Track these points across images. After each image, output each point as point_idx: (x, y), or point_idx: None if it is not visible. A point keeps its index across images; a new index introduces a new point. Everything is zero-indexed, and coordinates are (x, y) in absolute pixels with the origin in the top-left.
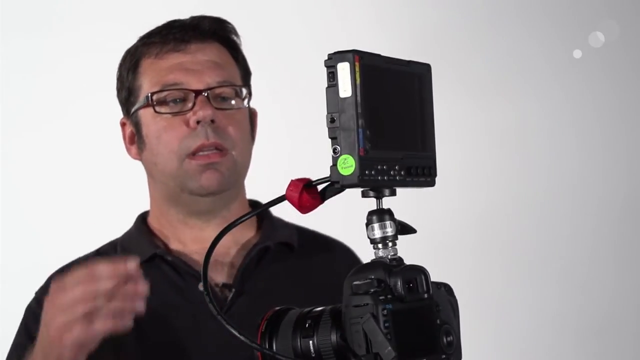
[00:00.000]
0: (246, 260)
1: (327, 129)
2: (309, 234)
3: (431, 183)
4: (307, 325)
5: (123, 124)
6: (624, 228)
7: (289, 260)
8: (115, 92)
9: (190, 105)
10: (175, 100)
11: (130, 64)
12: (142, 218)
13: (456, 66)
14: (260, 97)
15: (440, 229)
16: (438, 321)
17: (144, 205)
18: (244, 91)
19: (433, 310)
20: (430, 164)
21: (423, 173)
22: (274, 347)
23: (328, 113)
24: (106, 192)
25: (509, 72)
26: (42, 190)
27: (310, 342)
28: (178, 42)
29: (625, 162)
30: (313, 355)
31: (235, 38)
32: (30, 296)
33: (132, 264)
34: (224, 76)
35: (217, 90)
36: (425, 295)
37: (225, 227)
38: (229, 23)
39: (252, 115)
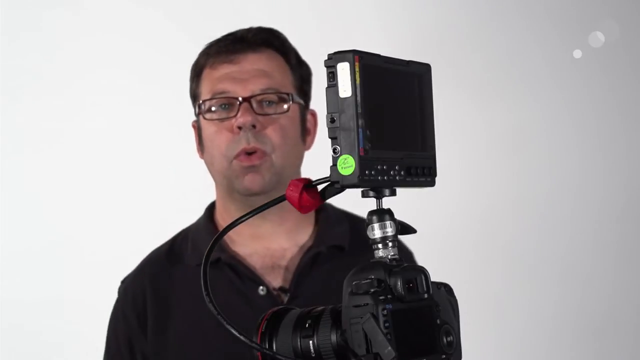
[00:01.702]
0: (301, 264)
1: (327, 129)
2: (360, 227)
3: (431, 183)
4: (307, 325)
5: (194, 127)
6: (624, 228)
7: (340, 261)
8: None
9: (235, 111)
10: (223, 105)
11: (194, 73)
12: (210, 211)
13: (456, 66)
14: None
15: (440, 229)
16: (438, 321)
17: (145, 203)
18: (290, 96)
19: (433, 310)
20: (430, 164)
21: (423, 173)
22: (274, 347)
23: (328, 113)
24: (114, 187)
25: (509, 72)
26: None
27: (310, 342)
28: (229, 54)
29: (625, 161)
30: (313, 355)
31: (287, 45)
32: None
33: None
34: (269, 83)
35: (260, 97)
36: (425, 295)
37: (224, 228)
38: (279, 32)
39: (305, 117)
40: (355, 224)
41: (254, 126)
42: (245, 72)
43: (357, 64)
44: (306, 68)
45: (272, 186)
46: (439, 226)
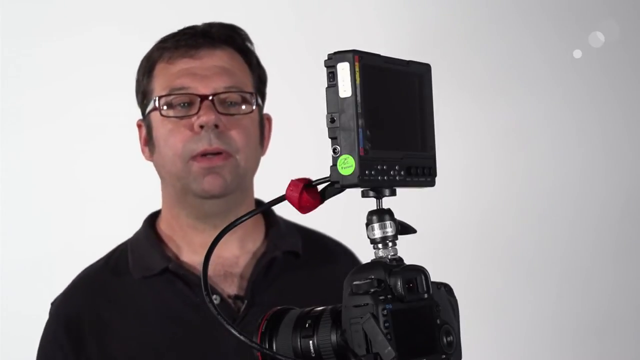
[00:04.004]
0: (255, 271)
1: (327, 129)
2: (312, 237)
3: (431, 183)
4: (307, 325)
5: (139, 126)
6: (624, 228)
7: (296, 269)
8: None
9: (195, 109)
10: (182, 104)
11: (146, 68)
12: (151, 220)
13: (456, 66)
14: None
15: (440, 229)
16: (438, 321)
17: (145, 204)
18: (253, 97)
19: (433, 310)
20: (430, 164)
21: (423, 173)
22: (274, 347)
23: (328, 113)
24: (111, 192)
25: (509, 72)
26: (47, 190)
27: (310, 342)
28: (189, 48)
29: (626, 161)
30: (313, 355)
31: (248, 45)
32: (33, 296)
33: None
34: (232, 82)
35: (224, 96)
36: (425, 295)
37: (223, 228)
38: (241, 29)
39: (263, 121)
40: (307, 236)
41: (216, 126)
42: (207, 68)
43: (357, 64)
44: (263, 70)
45: (232, 189)
46: (439, 226)
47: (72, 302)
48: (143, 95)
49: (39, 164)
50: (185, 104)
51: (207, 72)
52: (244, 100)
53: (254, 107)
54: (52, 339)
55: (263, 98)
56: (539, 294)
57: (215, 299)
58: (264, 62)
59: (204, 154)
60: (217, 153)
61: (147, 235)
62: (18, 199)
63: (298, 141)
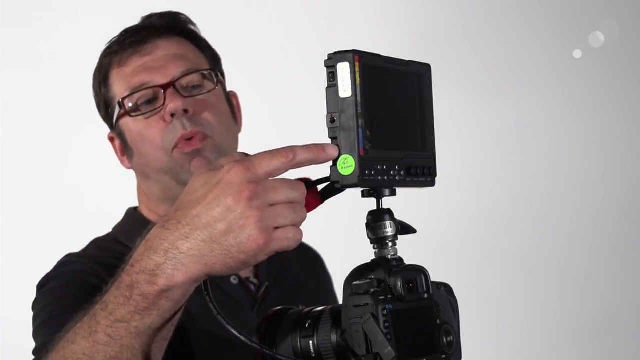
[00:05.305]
0: None
1: (327, 129)
2: None
3: (431, 183)
4: (307, 325)
5: (111, 139)
6: (624, 228)
7: (285, 253)
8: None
9: (161, 101)
10: (147, 101)
11: (101, 79)
12: (136, 212)
13: (456, 66)
14: (261, 97)
15: (440, 229)
16: (438, 321)
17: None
18: (212, 74)
19: (433, 310)
20: (430, 164)
21: (423, 173)
22: (274, 347)
23: (328, 113)
24: (111, 193)
25: (509, 72)
26: (47, 190)
27: (310, 342)
28: (136, 45)
29: (626, 161)
30: (313, 355)
31: (193, 28)
32: (32, 296)
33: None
34: (187, 65)
35: (184, 80)
36: (425, 295)
37: None
38: (182, 14)
39: (230, 97)
40: None
41: (186, 111)
42: (159, 59)
43: (357, 64)
44: (215, 50)
45: None
46: (438, 226)
47: (93, 263)
48: (106, 106)
49: (38, 164)
50: (150, 101)
51: (160, 63)
52: (205, 79)
53: (216, 84)
54: (90, 270)
55: (223, 76)
56: (539, 294)
57: (234, 280)
58: (264, 62)
59: (183, 140)
60: (193, 136)
61: (136, 221)
62: (18, 198)
63: (298, 141)
